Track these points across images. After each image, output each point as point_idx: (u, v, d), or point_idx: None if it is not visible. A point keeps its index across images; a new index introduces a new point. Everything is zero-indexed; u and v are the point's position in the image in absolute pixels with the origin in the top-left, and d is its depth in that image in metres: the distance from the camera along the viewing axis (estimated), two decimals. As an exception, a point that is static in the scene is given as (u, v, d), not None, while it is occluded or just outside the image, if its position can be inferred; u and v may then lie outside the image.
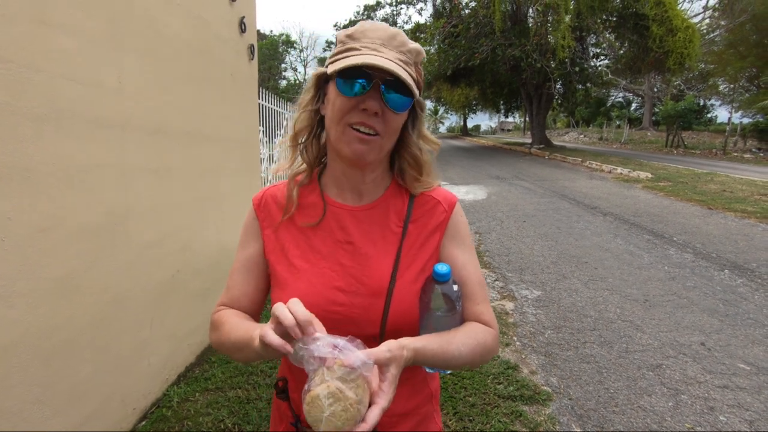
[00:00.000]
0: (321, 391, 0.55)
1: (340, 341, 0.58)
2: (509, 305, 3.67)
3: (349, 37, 0.75)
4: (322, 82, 0.79)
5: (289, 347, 0.59)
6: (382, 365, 0.61)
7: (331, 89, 0.75)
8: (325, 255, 0.79)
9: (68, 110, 1.60)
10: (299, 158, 0.84)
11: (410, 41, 0.76)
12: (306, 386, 0.59)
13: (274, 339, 0.59)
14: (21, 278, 1.42)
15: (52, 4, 1.51)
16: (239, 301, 0.84)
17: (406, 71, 0.72)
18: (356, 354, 0.57)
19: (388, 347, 0.63)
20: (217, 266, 2.84)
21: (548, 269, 4.53)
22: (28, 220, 1.44)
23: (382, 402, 0.59)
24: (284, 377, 0.81)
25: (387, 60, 0.70)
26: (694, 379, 2.60)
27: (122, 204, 1.93)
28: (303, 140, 0.82)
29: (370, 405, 0.59)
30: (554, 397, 2.43)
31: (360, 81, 0.70)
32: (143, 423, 2.13)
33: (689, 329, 3.21)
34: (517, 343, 3.04)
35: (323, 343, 0.58)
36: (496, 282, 4.20)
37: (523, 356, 2.87)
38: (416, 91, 0.73)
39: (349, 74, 0.70)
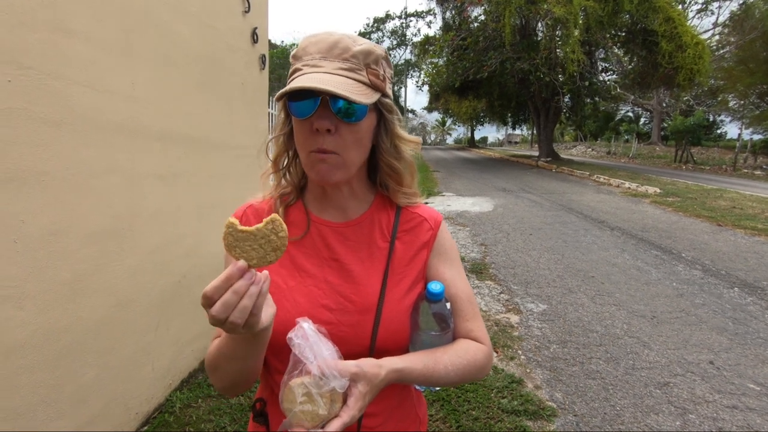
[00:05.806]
0: (296, 386, 0.59)
1: (323, 350, 0.60)
2: (514, 318, 3.64)
3: (294, 57, 0.73)
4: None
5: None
6: (350, 379, 0.61)
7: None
8: (311, 273, 0.77)
9: (83, 116, 1.63)
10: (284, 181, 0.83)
11: (358, 43, 0.71)
12: (288, 372, 0.61)
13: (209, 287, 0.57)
14: (31, 280, 1.44)
15: (71, 13, 1.55)
16: None
17: (352, 78, 0.69)
18: (334, 377, 0.59)
19: (357, 362, 0.63)
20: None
21: (554, 283, 4.49)
22: (40, 223, 1.47)
23: (345, 417, 0.59)
24: (262, 398, 0.79)
25: (322, 74, 0.67)
26: (702, 398, 2.55)
27: (130, 209, 1.96)
28: (284, 164, 0.82)
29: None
30: (559, 413, 2.40)
31: (306, 101, 0.68)
32: (145, 428, 2.13)
33: (698, 347, 3.16)
34: (522, 357, 3.01)
35: (305, 346, 0.60)
36: (502, 294, 4.17)
37: (528, 370, 2.84)
38: (363, 100, 0.67)
39: (298, 97, 0.68)
